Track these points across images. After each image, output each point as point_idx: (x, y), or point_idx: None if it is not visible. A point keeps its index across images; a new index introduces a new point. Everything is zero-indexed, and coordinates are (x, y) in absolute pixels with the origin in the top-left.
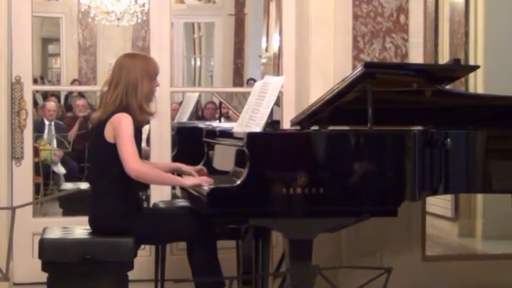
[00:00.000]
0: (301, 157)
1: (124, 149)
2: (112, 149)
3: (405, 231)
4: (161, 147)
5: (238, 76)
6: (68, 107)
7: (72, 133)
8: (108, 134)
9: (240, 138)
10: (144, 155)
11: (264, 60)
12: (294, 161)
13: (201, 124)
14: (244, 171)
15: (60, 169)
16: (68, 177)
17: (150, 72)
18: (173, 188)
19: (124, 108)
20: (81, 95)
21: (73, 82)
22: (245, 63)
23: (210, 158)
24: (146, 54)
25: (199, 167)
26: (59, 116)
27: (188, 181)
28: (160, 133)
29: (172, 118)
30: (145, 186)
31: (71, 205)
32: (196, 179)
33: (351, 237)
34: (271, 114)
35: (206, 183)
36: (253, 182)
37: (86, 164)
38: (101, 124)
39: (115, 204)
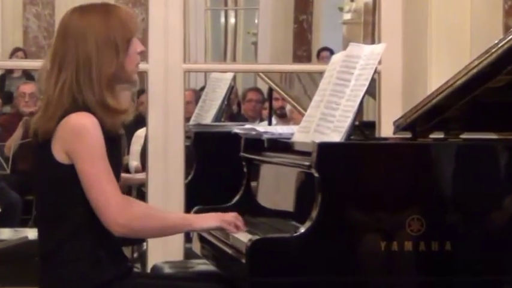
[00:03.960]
0: (415, 187)
1: (95, 188)
2: (68, 175)
3: None
4: (167, 168)
5: (303, 44)
6: (6, 97)
7: (12, 142)
8: (58, 151)
9: (305, 153)
10: (133, 184)
11: (347, 16)
12: (401, 194)
13: (237, 128)
14: (313, 210)
15: None
16: (5, 219)
17: (115, 34)
18: (187, 239)
19: (79, 105)
20: (28, 76)
21: (14, 53)
22: (314, 21)
23: (252, 186)
24: (112, 3)
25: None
26: None
27: (204, 221)
28: (165, 143)
29: (188, 117)
30: (136, 239)
31: (9, 269)
32: (217, 217)
33: None
34: (360, 111)
35: (233, 226)
36: (328, 229)
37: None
38: (46, 138)
39: (83, 268)
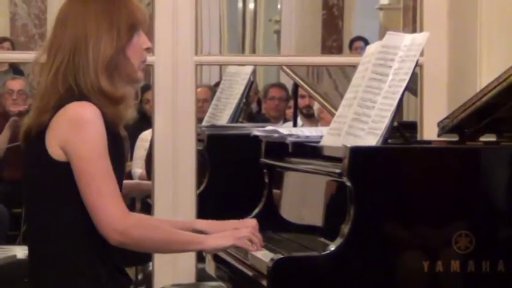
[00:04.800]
0: (462, 198)
1: (91, 189)
2: (64, 175)
3: None
4: (176, 176)
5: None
6: None
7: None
8: (53, 147)
9: (336, 159)
10: (137, 194)
11: (384, 1)
12: (447, 206)
13: (257, 130)
14: (344, 225)
15: None
16: None
17: (118, 17)
18: (200, 259)
19: (74, 92)
20: (15, 70)
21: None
22: (346, 6)
23: (274, 197)
24: None
25: (249, 220)
26: None
27: (216, 240)
28: (174, 147)
29: (200, 117)
30: (141, 257)
31: None
32: (231, 235)
33: None
34: (400, 110)
35: (250, 243)
36: (362, 247)
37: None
38: (39, 130)
39: None
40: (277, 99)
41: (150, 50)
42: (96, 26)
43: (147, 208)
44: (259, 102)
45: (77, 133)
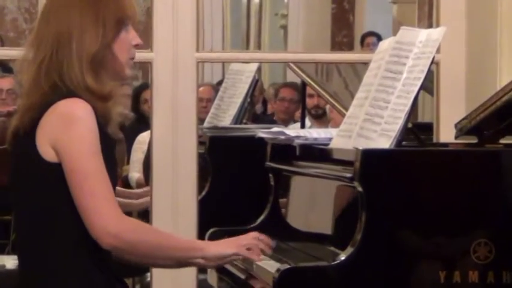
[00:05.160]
0: (481, 205)
1: (83, 189)
2: (56, 176)
3: None
4: (176, 181)
5: (343, 28)
6: None
7: None
8: (44, 147)
9: (346, 162)
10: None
11: None
12: (465, 213)
13: (263, 132)
14: (356, 233)
15: None
16: None
17: (104, 11)
18: (201, 269)
19: (61, 89)
20: (4, 67)
21: None
22: (357, 0)
23: (280, 203)
24: None
25: (254, 234)
26: None
27: (218, 248)
28: (173, 150)
29: (201, 118)
30: (139, 267)
31: None
32: (234, 242)
33: None
34: (414, 110)
35: (256, 251)
36: (374, 256)
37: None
38: (28, 130)
39: None
40: (287, 101)
41: (139, 46)
42: (80, 20)
43: (144, 215)
44: (264, 102)
45: (68, 130)
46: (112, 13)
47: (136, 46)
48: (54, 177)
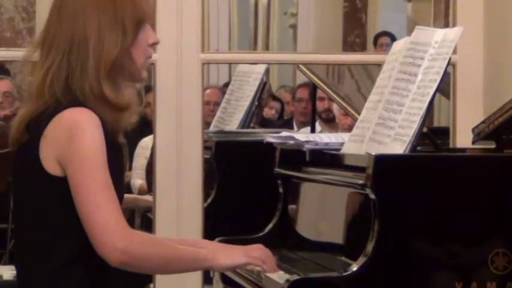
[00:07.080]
0: (500, 213)
1: (89, 204)
2: (60, 191)
3: None
4: (180, 187)
5: (355, 28)
6: None
7: None
8: (48, 159)
9: (359, 169)
10: (137, 207)
11: None
12: (483, 222)
13: (271, 136)
14: (368, 242)
15: None
16: None
17: (123, 12)
18: (206, 280)
19: (70, 99)
20: (1, 69)
21: None
22: None
23: (289, 211)
24: None
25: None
26: None
27: (227, 257)
28: (178, 155)
29: (208, 122)
30: (141, 278)
31: None
32: (244, 251)
33: None
34: (430, 114)
35: (262, 262)
36: (387, 267)
37: (11, 225)
38: (32, 139)
39: None
40: (305, 101)
41: (156, 44)
42: (98, 23)
43: (147, 223)
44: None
45: (72, 142)
46: (131, 13)
47: (153, 45)
48: (57, 192)
